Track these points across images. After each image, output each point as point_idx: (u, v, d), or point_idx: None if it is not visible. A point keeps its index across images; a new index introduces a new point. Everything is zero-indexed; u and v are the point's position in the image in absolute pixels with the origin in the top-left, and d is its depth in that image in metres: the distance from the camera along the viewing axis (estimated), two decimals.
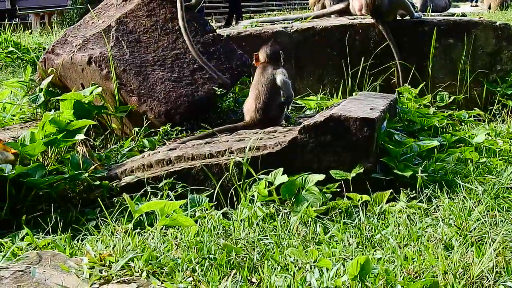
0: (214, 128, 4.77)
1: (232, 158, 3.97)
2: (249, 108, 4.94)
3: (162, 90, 5.23)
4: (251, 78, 5.26)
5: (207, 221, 3.42)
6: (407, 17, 6.88)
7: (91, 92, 5.11)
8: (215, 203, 3.82)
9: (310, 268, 2.79)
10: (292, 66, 6.97)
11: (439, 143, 4.48)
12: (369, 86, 6.63)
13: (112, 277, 2.80)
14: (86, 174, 4.11)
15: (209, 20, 7.51)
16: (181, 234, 3.28)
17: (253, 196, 3.74)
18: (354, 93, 5.80)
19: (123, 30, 5.61)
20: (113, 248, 3.05)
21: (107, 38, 5.49)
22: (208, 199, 3.84)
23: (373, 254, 2.95)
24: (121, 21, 5.65)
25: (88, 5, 6.08)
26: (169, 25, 5.66)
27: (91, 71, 5.42)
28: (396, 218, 3.40)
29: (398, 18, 6.87)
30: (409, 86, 5.96)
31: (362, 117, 3.90)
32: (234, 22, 9.72)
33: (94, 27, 5.83)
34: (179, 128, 5.05)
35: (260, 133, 4.32)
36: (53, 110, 5.19)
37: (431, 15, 7.78)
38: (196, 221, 3.41)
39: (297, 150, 3.97)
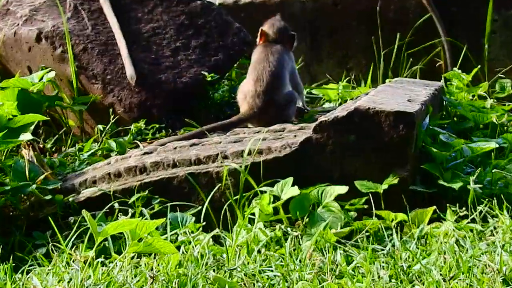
0: (204, 127, 4.76)
1: (226, 165, 3.97)
2: (247, 92, 4.91)
3: None
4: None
5: (193, 247, 3.41)
6: None
7: (41, 78, 5.10)
8: (204, 223, 3.82)
9: None
10: (306, 44, 6.96)
11: (498, 146, 4.47)
12: (407, 71, 6.61)
13: None
14: (34, 186, 4.10)
15: None
16: (158, 264, 3.26)
17: (253, 214, 3.74)
18: (387, 80, 5.80)
19: None
20: (68, 282, 3.04)
21: (63, 6, 5.49)
22: (194, 218, 3.83)
23: None
24: None
25: None
26: None
27: (41, 51, 5.42)
28: (441, 243, 3.39)
29: None
30: (460, 71, 5.95)
31: (397, 111, 3.90)
32: None
33: None
34: (157, 126, 5.05)
35: (263, 131, 4.32)
36: None
37: None
38: (178, 247, 3.40)
39: (312, 154, 3.97)
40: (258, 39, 5.18)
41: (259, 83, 4.87)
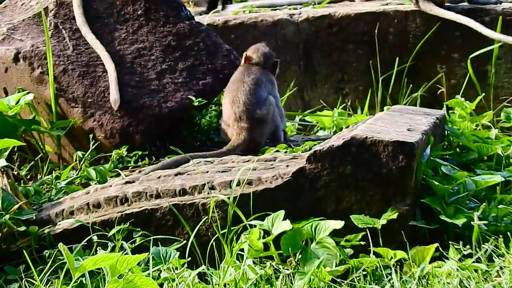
0: (189, 153, 4.74)
1: (213, 196, 3.94)
2: (228, 119, 4.97)
3: None
4: None
5: (177, 285, 3.38)
6: (464, 3, 6.88)
7: (18, 101, 5.08)
8: (189, 259, 3.78)
9: None
10: (299, 68, 6.97)
11: (503, 179, 4.46)
12: (407, 97, 6.63)
13: None
14: (7, 217, 4.06)
15: (186, 3, 7.52)
16: None
17: (242, 250, 3.70)
18: (385, 107, 5.79)
19: (65, 15, 5.60)
20: None
21: (42, 25, 5.48)
22: (178, 253, 3.80)
23: None
24: (62, 3, 5.64)
25: None
26: (129, 9, 5.66)
27: (18, 71, 5.39)
28: (444, 284, 3.37)
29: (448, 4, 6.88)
30: (462, 99, 5.96)
31: (397, 141, 3.88)
32: (220, 6, 9.75)
33: (25, 10, 5.82)
34: (140, 153, 5.03)
35: (253, 160, 4.30)
36: None
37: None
38: (161, 285, 3.38)
39: (305, 185, 3.94)
40: (241, 63, 5.24)
41: (236, 104, 4.93)
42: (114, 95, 5.11)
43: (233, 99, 4.99)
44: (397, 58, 6.71)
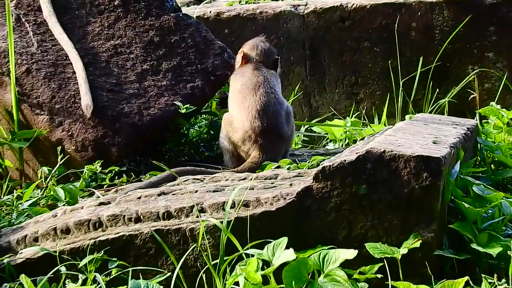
0: (175, 169, 4.75)
1: (203, 220, 3.95)
2: (248, 129, 4.91)
3: None
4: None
5: None
6: None
7: None
8: None
9: None
10: (305, 69, 6.99)
11: None
12: (432, 104, 6.63)
13: None
14: None
15: None
16: None
17: (237, 283, 3.71)
18: (407, 116, 5.81)
19: (29, 6, 5.63)
20: None
21: (3, 18, 5.49)
22: (162, 287, 3.80)
23: None
24: None
25: None
26: None
27: None
28: None
29: None
30: (498, 106, 5.97)
31: (420, 156, 3.89)
32: None
33: None
34: (117, 169, 5.04)
35: (251, 179, 4.31)
36: None
37: None
38: None
39: (312, 207, 3.95)
40: (238, 63, 5.21)
41: (267, 114, 4.86)
42: (86, 100, 5.12)
43: (263, 107, 4.91)
44: (421, 58, 6.72)
